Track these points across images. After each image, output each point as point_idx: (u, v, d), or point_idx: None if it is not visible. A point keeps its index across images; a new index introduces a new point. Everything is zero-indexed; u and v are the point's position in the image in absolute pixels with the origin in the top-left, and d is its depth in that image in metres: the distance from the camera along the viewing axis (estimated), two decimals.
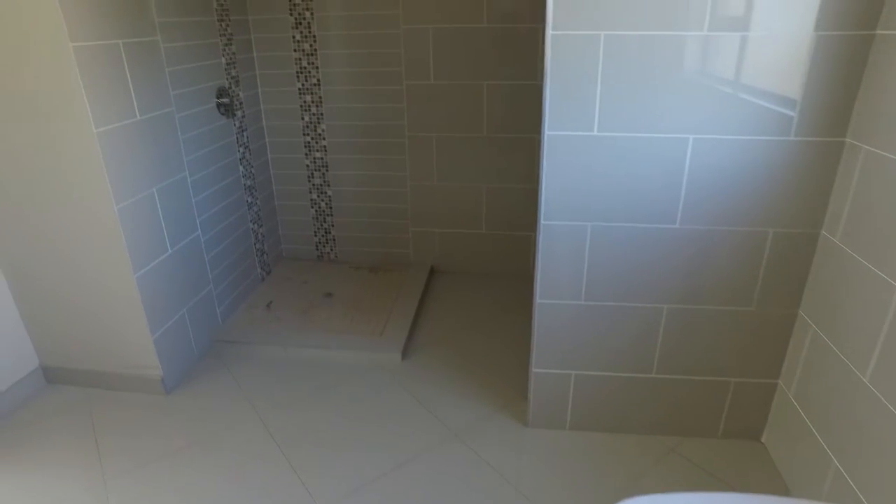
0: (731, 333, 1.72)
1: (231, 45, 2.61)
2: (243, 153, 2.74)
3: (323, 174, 3.02)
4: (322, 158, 2.98)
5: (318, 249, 3.21)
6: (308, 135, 2.94)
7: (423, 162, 2.90)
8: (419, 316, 2.69)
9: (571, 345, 1.81)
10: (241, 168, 2.72)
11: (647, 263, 1.66)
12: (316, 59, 2.79)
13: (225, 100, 2.51)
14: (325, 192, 3.05)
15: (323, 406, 2.12)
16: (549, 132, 1.51)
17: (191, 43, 2.30)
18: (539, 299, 1.74)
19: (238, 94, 2.68)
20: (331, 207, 3.08)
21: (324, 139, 2.94)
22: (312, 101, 2.87)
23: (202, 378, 2.30)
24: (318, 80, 2.83)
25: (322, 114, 2.89)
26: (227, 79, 2.58)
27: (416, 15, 2.63)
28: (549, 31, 1.41)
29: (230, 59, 2.60)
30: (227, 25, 2.57)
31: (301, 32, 2.76)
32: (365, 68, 2.77)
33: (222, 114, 2.53)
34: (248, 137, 2.79)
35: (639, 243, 1.63)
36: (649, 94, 1.46)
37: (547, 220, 1.62)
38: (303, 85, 2.85)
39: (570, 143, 1.52)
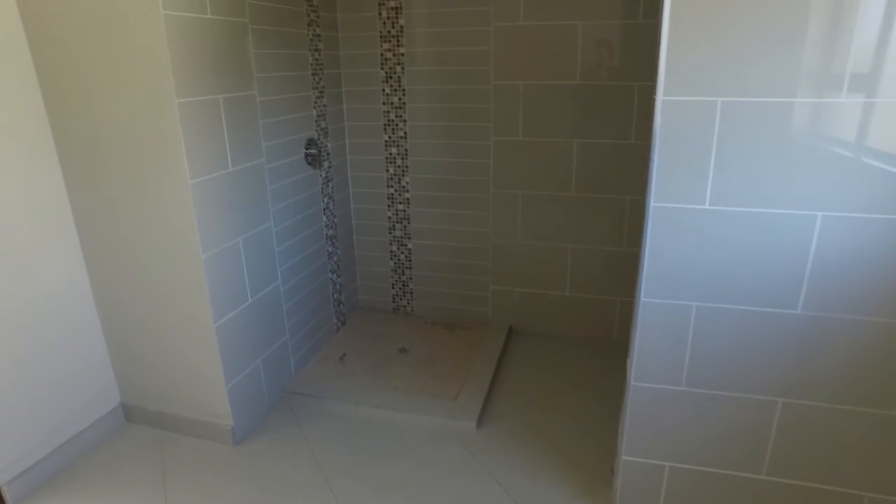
0: (866, 438, 1.48)
1: (323, 97, 2.66)
2: (327, 203, 2.76)
3: (404, 227, 2.99)
4: (404, 211, 2.96)
5: (394, 302, 3.15)
6: (392, 187, 2.93)
7: (507, 219, 2.81)
8: (496, 380, 2.56)
9: (667, 434, 1.62)
10: (324, 218, 2.73)
11: (761, 351, 1.47)
12: (404, 112, 2.80)
13: (313, 151, 2.54)
14: (406, 245, 3.02)
15: (392, 473, 2.01)
16: (654, 203, 1.38)
17: (285, 96, 2.35)
18: (634, 381, 1.58)
19: (326, 146, 2.72)
20: (410, 260, 3.04)
21: (407, 192, 2.92)
22: (398, 154, 2.87)
23: (271, 431, 2.26)
24: (405, 133, 2.83)
25: (407, 166, 2.87)
26: (317, 130, 2.62)
27: (508, 71, 2.59)
28: (660, 97, 1.30)
29: (321, 111, 2.65)
30: (321, 79, 2.62)
31: (391, 86, 2.78)
32: (452, 122, 2.74)
33: (309, 164, 2.55)
34: (332, 188, 2.81)
35: (751, 328, 1.45)
36: (771, 166, 1.31)
37: (647, 298, 1.47)
38: (389, 137, 2.86)
39: (677, 216, 1.39)
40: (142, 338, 2.16)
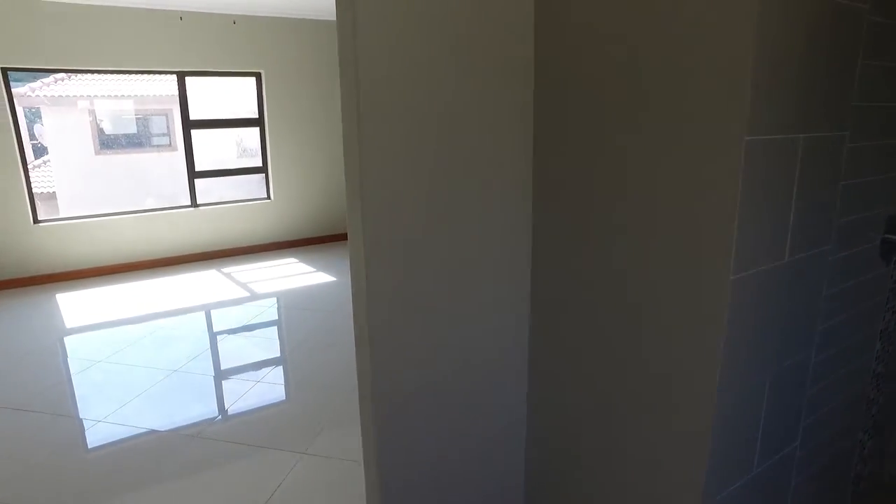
0: None
1: None
2: (889, 322, 1.67)
3: None
4: None
5: None
6: None
7: None
8: None
9: None
10: (878, 345, 1.65)
11: None
12: None
13: (894, 237, 1.50)
14: None
15: None
16: None
17: (884, 142, 1.39)
18: None
19: None
20: None
21: None
22: None
23: None
24: None
25: None
26: None
27: None
28: None
29: None
30: None
31: None
32: None
33: (882, 257, 1.52)
34: None
35: None
36: None
37: None
38: None
39: None
40: (570, 467, 1.50)
